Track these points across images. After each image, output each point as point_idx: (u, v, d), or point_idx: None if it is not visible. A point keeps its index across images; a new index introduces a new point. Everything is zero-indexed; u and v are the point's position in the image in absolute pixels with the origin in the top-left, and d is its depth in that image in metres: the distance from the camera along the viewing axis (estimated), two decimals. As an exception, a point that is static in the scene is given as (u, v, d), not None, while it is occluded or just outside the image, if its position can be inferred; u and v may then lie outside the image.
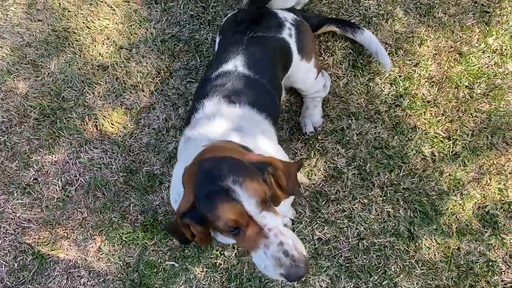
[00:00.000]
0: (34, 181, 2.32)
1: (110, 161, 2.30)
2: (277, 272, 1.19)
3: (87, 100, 2.39)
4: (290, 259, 1.17)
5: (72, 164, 2.32)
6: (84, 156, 2.32)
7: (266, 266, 1.21)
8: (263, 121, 1.71)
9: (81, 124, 2.36)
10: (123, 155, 2.30)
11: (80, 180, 2.30)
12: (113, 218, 2.23)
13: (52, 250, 2.24)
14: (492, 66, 2.27)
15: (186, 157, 1.44)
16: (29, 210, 2.28)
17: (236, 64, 1.75)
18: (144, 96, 2.38)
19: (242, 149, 1.39)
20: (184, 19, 2.48)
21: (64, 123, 2.36)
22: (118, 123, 2.35)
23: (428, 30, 2.34)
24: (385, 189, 2.15)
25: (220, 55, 1.82)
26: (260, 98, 1.72)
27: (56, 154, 2.33)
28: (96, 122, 2.36)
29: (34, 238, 2.26)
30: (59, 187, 2.29)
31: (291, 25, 1.95)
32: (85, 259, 2.22)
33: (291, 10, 2.08)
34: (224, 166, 1.19)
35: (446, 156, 2.16)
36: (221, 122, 1.60)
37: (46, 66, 2.46)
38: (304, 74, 2.06)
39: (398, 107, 2.25)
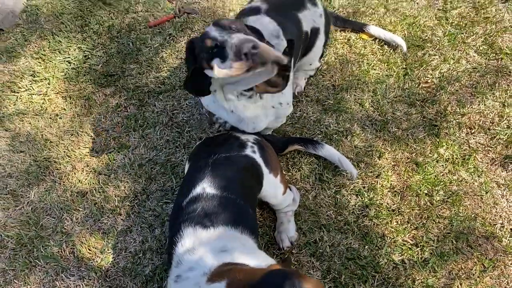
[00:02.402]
0: (7, 315, 2.27)
1: (86, 288, 2.29)
2: None
3: (65, 227, 2.44)
4: None
5: (47, 294, 2.29)
6: (60, 284, 2.30)
7: None
8: (240, 236, 1.76)
9: (58, 251, 2.38)
10: (100, 281, 2.29)
11: (55, 311, 2.26)
12: None
13: None
14: (446, 174, 2.45)
15: None
16: None
17: (204, 187, 1.85)
18: (122, 219, 2.45)
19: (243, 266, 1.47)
20: (161, 144, 2.66)
21: (41, 252, 2.38)
22: (95, 248, 2.38)
23: (385, 144, 2.56)
24: (362, 301, 2.17)
25: (189, 182, 1.93)
26: (232, 214, 1.79)
27: (31, 284, 2.31)
28: (74, 248, 2.38)
29: None
30: (32, 320, 2.24)
31: (253, 144, 2.13)
32: None
33: (255, 133, 2.27)
34: None
35: (416, 263, 2.23)
36: (203, 249, 1.65)
37: (26, 195, 2.54)
38: (274, 188, 2.17)
39: (366, 217, 2.37)
